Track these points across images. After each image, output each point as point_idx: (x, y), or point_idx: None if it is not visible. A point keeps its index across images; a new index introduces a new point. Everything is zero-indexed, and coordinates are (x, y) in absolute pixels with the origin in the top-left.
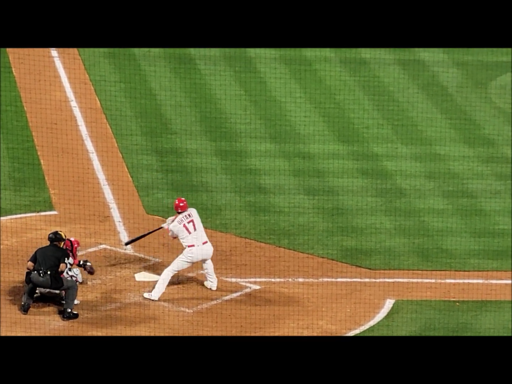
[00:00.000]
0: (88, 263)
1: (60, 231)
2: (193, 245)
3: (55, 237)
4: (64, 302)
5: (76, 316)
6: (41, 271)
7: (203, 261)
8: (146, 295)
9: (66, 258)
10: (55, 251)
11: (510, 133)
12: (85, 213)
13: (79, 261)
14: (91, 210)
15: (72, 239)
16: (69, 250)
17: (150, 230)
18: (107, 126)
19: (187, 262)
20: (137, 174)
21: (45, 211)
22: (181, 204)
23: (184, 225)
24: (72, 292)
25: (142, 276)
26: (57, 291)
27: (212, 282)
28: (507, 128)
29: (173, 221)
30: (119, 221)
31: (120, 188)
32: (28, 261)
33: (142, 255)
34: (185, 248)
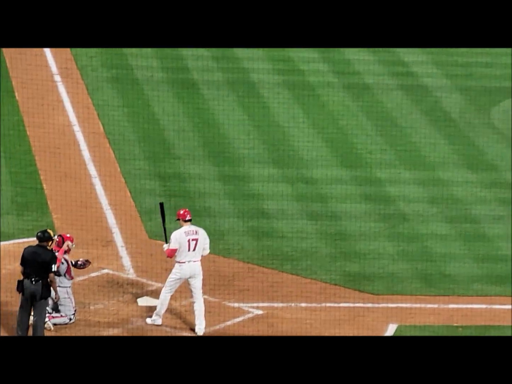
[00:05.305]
0: (78, 261)
1: (49, 230)
2: (184, 262)
3: (44, 236)
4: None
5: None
6: (33, 279)
7: (191, 277)
8: (149, 320)
9: (54, 264)
10: (44, 254)
11: None
12: (88, 238)
13: (72, 261)
14: (93, 235)
15: (67, 235)
16: (59, 246)
17: (163, 224)
18: (110, 151)
19: (177, 279)
20: (139, 199)
21: None
22: (181, 212)
23: (189, 240)
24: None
25: (145, 301)
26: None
27: (199, 325)
28: (510, 153)
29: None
30: (122, 246)
31: (122, 212)
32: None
33: (144, 280)
34: (175, 264)
